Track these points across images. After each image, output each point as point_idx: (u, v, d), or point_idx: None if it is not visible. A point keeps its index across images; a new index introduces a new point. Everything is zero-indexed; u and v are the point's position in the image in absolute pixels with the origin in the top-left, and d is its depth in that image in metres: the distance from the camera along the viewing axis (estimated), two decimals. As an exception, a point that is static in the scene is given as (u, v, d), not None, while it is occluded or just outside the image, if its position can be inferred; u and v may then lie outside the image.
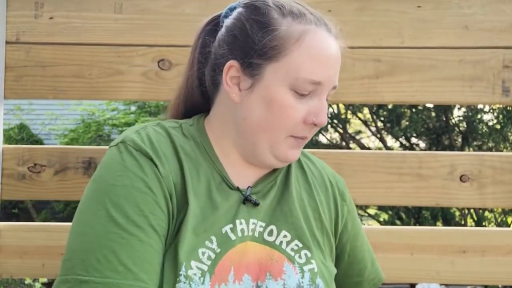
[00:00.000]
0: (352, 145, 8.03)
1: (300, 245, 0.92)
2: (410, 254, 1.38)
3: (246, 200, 0.91)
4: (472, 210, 7.11)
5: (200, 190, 0.89)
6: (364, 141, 8.43)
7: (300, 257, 0.91)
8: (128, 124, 7.14)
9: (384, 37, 1.39)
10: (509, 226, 7.49)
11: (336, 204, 1.04)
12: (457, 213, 7.34)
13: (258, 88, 0.90)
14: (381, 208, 8.00)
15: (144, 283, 0.78)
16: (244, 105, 0.92)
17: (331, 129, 7.92)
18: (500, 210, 7.13)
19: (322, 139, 8.00)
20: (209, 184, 0.91)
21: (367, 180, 1.39)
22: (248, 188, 0.93)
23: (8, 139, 6.65)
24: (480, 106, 6.88)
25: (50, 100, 1.44)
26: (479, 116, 7.13)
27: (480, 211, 7.14)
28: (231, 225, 0.89)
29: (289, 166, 1.01)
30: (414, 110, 7.07)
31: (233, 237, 0.88)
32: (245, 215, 0.91)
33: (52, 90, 1.38)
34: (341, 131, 7.85)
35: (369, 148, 8.18)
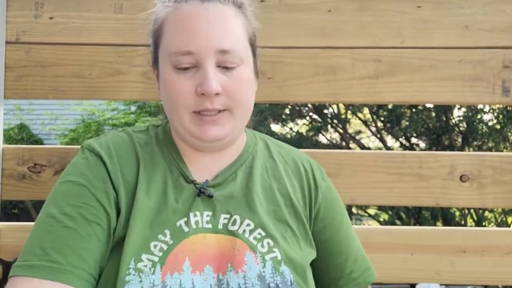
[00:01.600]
0: (352, 145, 8.04)
1: (263, 233, 0.93)
2: (410, 254, 1.38)
3: (200, 193, 0.94)
4: (472, 210, 7.11)
5: (155, 187, 0.94)
6: (364, 141, 8.44)
7: (262, 246, 0.92)
8: (128, 124, 7.14)
9: (384, 37, 1.39)
10: (509, 226, 7.49)
11: (310, 190, 1.04)
12: (457, 213, 7.35)
13: (159, 75, 0.97)
14: (381, 208, 8.00)
15: (57, 264, 0.84)
16: (160, 94, 0.98)
17: (331, 129, 7.93)
18: (500, 210, 7.13)
19: (322, 139, 8.00)
20: (166, 180, 0.95)
21: (367, 180, 1.39)
22: (205, 181, 0.96)
23: (8, 139, 6.65)
24: (480, 106, 6.89)
25: (50, 100, 1.44)
26: (479, 116, 7.13)
27: (480, 211, 7.14)
28: (185, 219, 0.92)
29: (253, 159, 1.02)
30: (414, 110, 7.08)
31: (186, 229, 0.91)
32: (199, 208, 0.94)
33: (52, 90, 1.38)
34: (341, 131, 7.85)
35: (369, 148, 8.19)
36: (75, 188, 0.91)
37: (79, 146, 1.42)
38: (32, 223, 1.43)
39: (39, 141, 7.44)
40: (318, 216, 1.03)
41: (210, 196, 0.94)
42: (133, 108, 7.56)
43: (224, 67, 0.92)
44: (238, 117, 0.95)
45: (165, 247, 0.89)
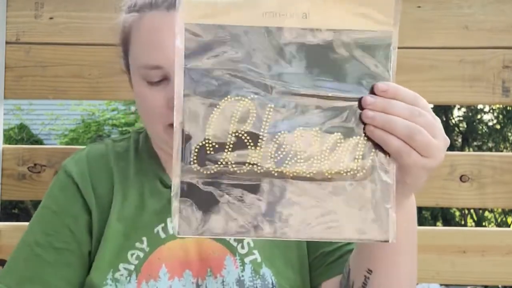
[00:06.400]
0: (352, 145, 8.03)
1: None
2: (410, 254, 1.38)
3: None
4: (472, 210, 7.12)
5: (132, 195, 0.93)
6: (364, 141, 8.43)
7: (242, 247, 0.90)
8: (128, 124, 7.14)
9: (384, 37, 1.39)
10: (509, 226, 7.50)
11: None
12: (457, 213, 7.35)
13: (132, 83, 0.95)
14: (381, 208, 7.98)
15: None
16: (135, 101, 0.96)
17: (331, 129, 7.92)
18: (500, 210, 7.14)
19: (322, 139, 7.99)
20: (142, 187, 0.94)
21: (367, 180, 1.38)
22: None
23: (8, 139, 6.65)
24: (480, 106, 6.89)
25: (50, 100, 1.44)
26: (479, 116, 7.14)
27: (480, 211, 7.15)
28: (162, 224, 0.91)
29: None
30: (414, 110, 7.07)
31: (163, 235, 0.90)
32: None
33: (52, 90, 1.38)
34: (341, 131, 7.84)
35: (369, 148, 8.17)
36: (47, 215, 0.95)
37: (79, 146, 1.42)
38: (32, 223, 1.42)
39: (39, 141, 7.43)
40: None
41: None
42: (133, 108, 7.54)
43: None
44: None
45: (141, 254, 0.89)
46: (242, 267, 0.89)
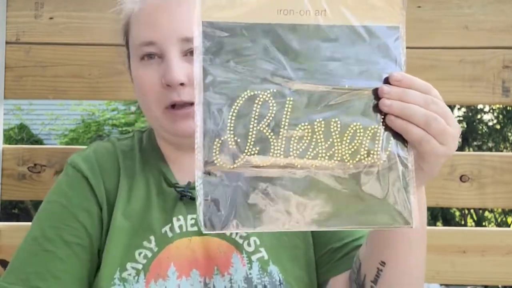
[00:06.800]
0: (352, 145, 8.02)
1: None
2: (410, 254, 1.38)
3: (182, 196, 0.92)
4: (472, 210, 7.12)
5: (138, 194, 0.92)
6: (364, 141, 8.42)
7: (249, 244, 0.90)
8: (128, 124, 7.14)
9: (384, 37, 1.39)
10: (509, 226, 7.50)
11: None
12: (457, 213, 7.35)
13: (132, 73, 0.95)
14: (381, 208, 7.97)
15: None
16: (135, 93, 0.96)
17: (331, 129, 7.91)
18: (500, 210, 7.14)
19: (322, 139, 7.98)
20: (148, 186, 0.94)
21: (367, 180, 1.38)
22: (187, 183, 0.93)
23: (8, 139, 6.65)
24: (480, 106, 6.90)
25: (50, 100, 1.44)
26: (479, 116, 7.14)
27: (480, 211, 7.15)
28: (170, 224, 0.91)
29: None
30: (414, 110, 7.06)
31: (170, 234, 0.90)
32: (182, 212, 0.91)
33: (52, 90, 1.38)
34: (341, 131, 7.84)
35: (369, 148, 8.16)
36: (56, 209, 0.92)
37: (79, 146, 1.42)
38: (32, 223, 1.42)
39: (39, 141, 7.43)
40: None
41: (192, 199, 0.91)
42: (133, 108, 7.54)
43: (191, 55, 0.85)
44: None
45: (149, 254, 0.88)
46: (249, 265, 0.88)
